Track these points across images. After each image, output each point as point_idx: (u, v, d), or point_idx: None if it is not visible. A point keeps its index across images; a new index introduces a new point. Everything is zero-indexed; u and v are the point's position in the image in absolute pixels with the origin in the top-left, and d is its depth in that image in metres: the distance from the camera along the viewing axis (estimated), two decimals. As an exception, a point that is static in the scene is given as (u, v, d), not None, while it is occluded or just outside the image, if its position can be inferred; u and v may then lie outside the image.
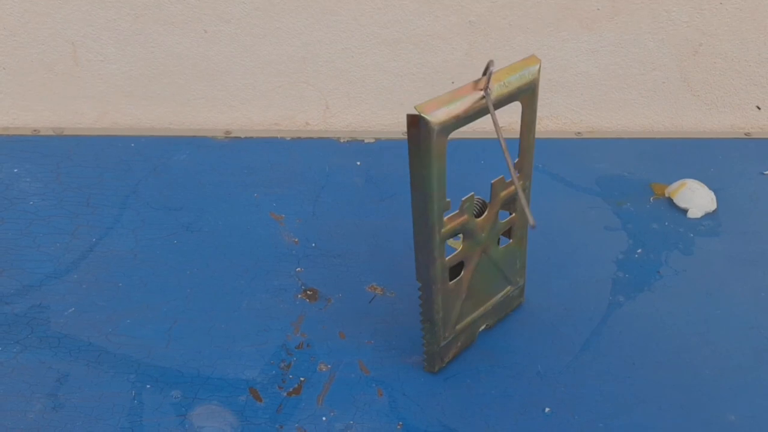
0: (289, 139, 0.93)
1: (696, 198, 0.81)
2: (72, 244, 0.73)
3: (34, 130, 0.93)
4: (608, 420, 0.58)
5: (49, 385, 0.59)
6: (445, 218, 0.53)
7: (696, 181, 0.83)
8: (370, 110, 0.98)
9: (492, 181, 0.57)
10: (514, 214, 0.61)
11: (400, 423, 0.57)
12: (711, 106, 1.01)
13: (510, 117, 0.98)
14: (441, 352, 0.60)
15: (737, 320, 0.68)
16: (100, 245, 0.74)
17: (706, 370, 0.63)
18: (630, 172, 0.89)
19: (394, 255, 0.74)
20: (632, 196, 0.84)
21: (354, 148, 0.92)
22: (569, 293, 0.70)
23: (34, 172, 0.84)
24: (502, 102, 0.53)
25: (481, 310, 0.63)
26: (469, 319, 0.62)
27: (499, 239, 0.61)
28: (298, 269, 0.72)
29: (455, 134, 1.04)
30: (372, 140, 0.94)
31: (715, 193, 0.83)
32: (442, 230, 0.53)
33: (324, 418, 0.57)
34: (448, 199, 0.52)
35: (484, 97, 0.50)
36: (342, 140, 0.93)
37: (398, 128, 0.98)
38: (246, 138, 0.93)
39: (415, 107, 0.47)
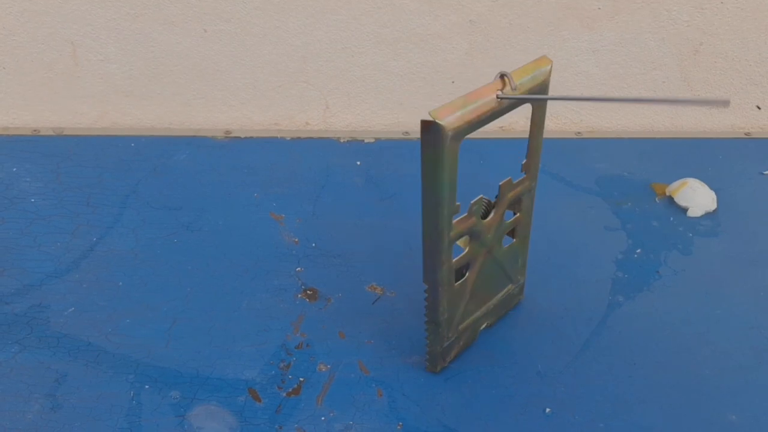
0: (289, 138, 0.93)
1: (697, 197, 0.81)
2: (72, 244, 0.73)
3: (34, 130, 0.93)
4: (608, 420, 0.58)
5: (47, 386, 0.59)
6: (454, 221, 0.53)
7: (697, 181, 0.83)
8: (370, 110, 0.98)
9: (500, 183, 0.57)
10: (518, 214, 0.61)
11: (400, 423, 0.57)
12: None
13: (510, 117, 0.98)
14: (443, 352, 0.60)
15: (737, 320, 0.68)
16: (100, 245, 0.74)
17: (706, 369, 0.63)
18: (630, 172, 0.89)
19: (394, 255, 0.74)
20: (632, 196, 0.84)
21: (354, 148, 0.92)
22: (569, 293, 0.70)
23: (34, 172, 0.84)
24: (515, 104, 0.53)
25: (483, 309, 0.63)
26: (471, 318, 0.62)
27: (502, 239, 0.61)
28: (298, 269, 0.72)
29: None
30: (372, 140, 0.94)
31: (715, 193, 0.83)
32: (451, 233, 0.53)
33: (323, 419, 0.57)
34: (458, 203, 0.52)
35: (499, 97, 0.50)
36: (342, 140, 0.93)
37: (398, 128, 0.98)
38: (246, 138, 0.93)
39: (429, 113, 0.47)
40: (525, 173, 0.59)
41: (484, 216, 0.57)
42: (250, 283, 0.70)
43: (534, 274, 0.69)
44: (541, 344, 0.64)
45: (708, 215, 0.81)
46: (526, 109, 0.56)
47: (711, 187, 0.83)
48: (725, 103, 0.44)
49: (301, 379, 0.60)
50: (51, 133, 0.92)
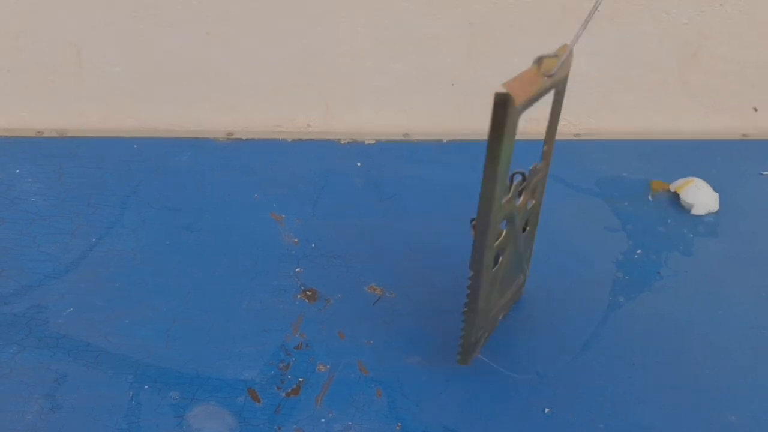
0: (290, 140, 0.94)
1: (701, 196, 0.82)
2: (72, 244, 0.74)
3: (38, 132, 0.93)
4: (608, 420, 0.58)
5: (47, 386, 0.59)
6: (502, 201, 0.54)
7: (702, 181, 0.84)
8: (370, 112, 0.99)
9: (531, 167, 0.57)
10: (534, 201, 0.61)
11: (399, 423, 0.57)
12: (710, 107, 1.01)
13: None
14: (475, 343, 0.60)
15: (737, 320, 0.68)
16: (100, 245, 0.74)
17: (706, 370, 0.63)
18: (629, 173, 0.89)
19: (394, 255, 0.74)
20: (632, 196, 0.84)
21: (354, 149, 0.92)
22: (569, 293, 0.70)
23: (36, 173, 0.84)
24: (550, 87, 0.53)
25: (503, 299, 0.63)
26: (497, 307, 0.62)
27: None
28: (298, 269, 0.72)
29: (456, 135, 1.04)
30: (372, 141, 0.94)
31: (720, 195, 0.83)
32: (500, 214, 0.54)
33: (323, 419, 0.57)
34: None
35: (549, 76, 0.51)
36: (342, 141, 0.94)
37: (398, 130, 0.98)
38: (247, 139, 0.93)
39: (502, 85, 0.47)
40: (543, 160, 0.59)
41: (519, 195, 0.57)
42: (250, 283, 0.70)
43: (534, 274, 0.69)
44: (541, 344, 0.64)
45: (712, 218, 0.81)
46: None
47: (710, 186, 0.83)
48: None
49: (301, 379, 0.60)
50: (54, 134, 0.93)
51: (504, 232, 0.57)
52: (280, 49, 0.93)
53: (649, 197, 0.83)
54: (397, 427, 0.57)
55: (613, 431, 0.57)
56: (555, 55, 0.52)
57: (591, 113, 1.00)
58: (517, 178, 0.63)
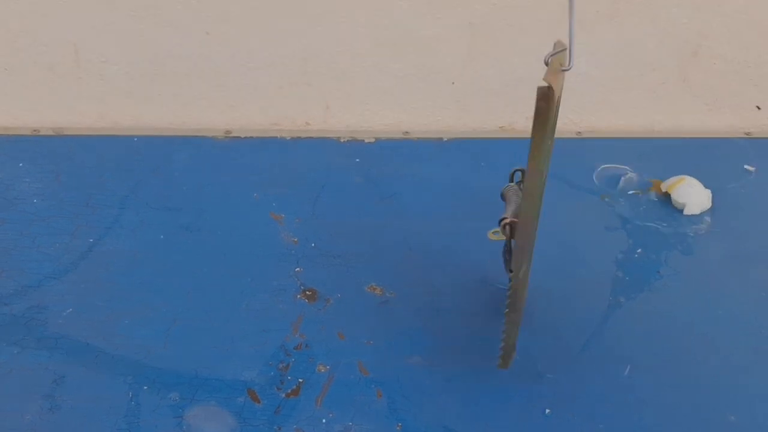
0: (289, 139, 0.93)
1: (693, 194, 0.81)
2: (71, 245, 0.73)
3: (35, 130, 0.93)
4: (608, 420, 0.58)
5: (46, 387, 0.59)
6: None
7: (693, 178, 0.83)
8: (370, 110, 0.98)
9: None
10: None
11: (400, 424, 0.57)
12: (711, 106, 1.01)
13: (510, 116, 0.98)
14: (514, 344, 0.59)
15: (737, 320, 0.68)
16: (100, 245, 0.73)
17: (706, 370, 0.63)
18: (631, 172, 0.89)
19: (394, 255, 0.74)
20: (633, 195, 0.84)
21: (354, 148, 0.92)
22: (569, 293, 0.70)
23: (34, 173, 0.84)
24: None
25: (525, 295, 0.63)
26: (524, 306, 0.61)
27: None
28: (298, 269, 0.72)
29: (456, 134, 1.03)
30: (372, 140, 0.94)
31: (716, 193, 0.83)
32: (539, 209, 0.54)
33: (323, 420, 0.57)
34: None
35: (565, 69, 0.51)
36: (342, 140, 0.93)
37: (398, 128, 0.98)
38: (246, 138, 0.93)
39: (544, 80, 0.48)
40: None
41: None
42: (250, 283, 0.70)
43: (534, 274, 0.69)
44: (541, 344, 0.64)
45: (708, 216, 0.81)
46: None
47: (711, 187, 0.83)
48: None
49: (301, 379, 0.60)
50: (51, 133, 0.92)
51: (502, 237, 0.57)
52: (280, 47, 0.93)
53: (653, 197, 0.82)
54: (398, 428, 0.57)
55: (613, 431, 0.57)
56: (563, 49, 0.52)
57: (592, 112, 1.00)
58: (518, 176, 0.62)
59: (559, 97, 0.52)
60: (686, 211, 0.80)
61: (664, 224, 0.80)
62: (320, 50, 0.93)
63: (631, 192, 0.85)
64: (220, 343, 0.63)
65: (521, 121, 0.95)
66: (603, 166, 0.90)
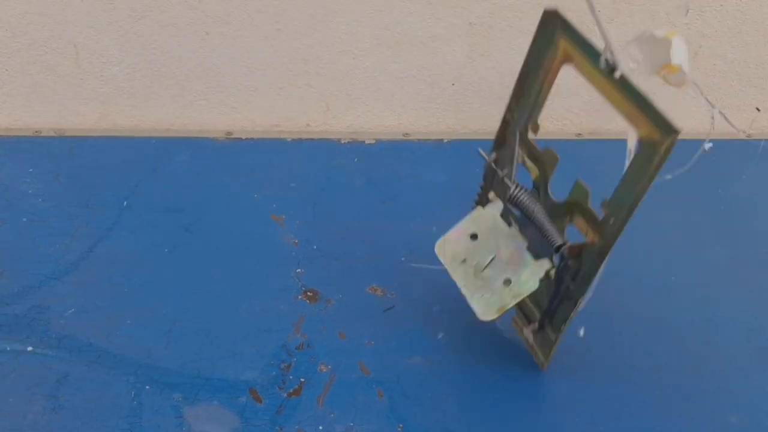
0: (289, 140, 0.94)
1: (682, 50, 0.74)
2: (72, 245, 0.73)
3: (36, 132, 0.93)
4: (608, 422, 0.58)
5: (48, 386, 0.59)
6: None
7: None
8: (371, 112, 0.98)
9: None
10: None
11: (401, 425, 0.57)
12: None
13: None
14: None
15: (738, 321, 0.68)
16: (100, 246, 0.74)
17: (706, 371, 0.63)
18: (630, 174, 0.89)
19: (395, 256, 0.74)
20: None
21: (355, 149, 0.92)
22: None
23: (34, 173, 0.84)
24: None
25: None
26: None
27: None
28: (299, 270, 0.72)
29: (457, 135, 1.03)
30: (373, 141, 0.94)
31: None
32: None
33: (324, 420, 0.57)
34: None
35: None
36: (343, 141, 0.94)
37: (399, 130, 0.98)
38: (247, 139, 0.93)
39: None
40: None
41: None
42: (250, 284, 0.70)
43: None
44: (541, 345, 0.64)
45: (709, 217, 0.81)
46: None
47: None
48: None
49: (302, 379, 0.60)
50: (52, 134, 0.92)
51: None
52: (280, 49, 0.93)
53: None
54: (399, 428, 0.57)
55: (614, 432, 0.57)
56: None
57: (592, 113, 1.00)
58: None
59: None
60: (675, 61, 0.72)
61: (665, 223, 0.80)
62: (321, 51, 0.93)
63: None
64: (222, 343, 0.63)
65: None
66: (604, 167, 0.90)
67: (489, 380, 0.61)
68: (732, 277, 0.73)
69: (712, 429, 0.58)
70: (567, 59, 0.50)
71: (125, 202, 0.80)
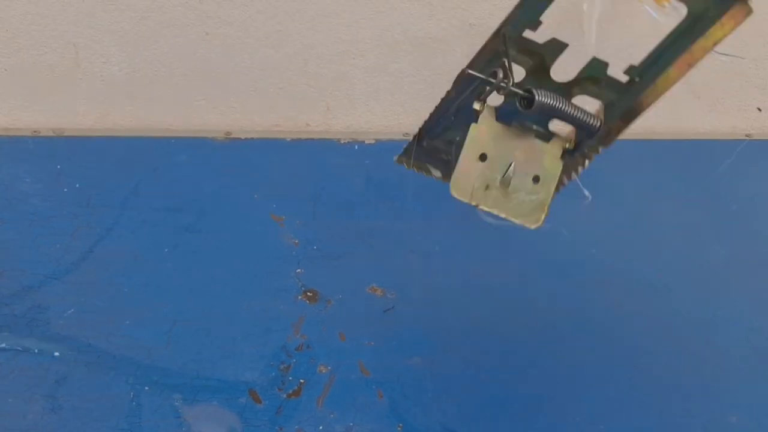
0: (289, 140, 0.93)
1: None
2: (72, 245, 0.73)
3: (35, 131, 0.93)
4: (608, 422, 0.58)
5: (47, 387, 0.59)
6: None
7: None
8: (370, 112, 0.98)
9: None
10: None
11: (401, 425, 0.57)
12: (712, 107, 1.01)
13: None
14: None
15: (738, 321, 0.68)
16: (100, 246, 0.73)
17: (707, 371, 0.63)
18: (630, 173, 0.89)
19: (395, 256, 0.74)
20: (633, 195, 0.84)
21: (355, 149, 0.92)
22: (569, 294, 0.70)
23: (34, 173, 0.84)
24: None
25: None
26: None
27: None
28: (298, 270, 0.72)
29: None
30: (372, 141, 0.94)
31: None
32: None
33: (324, 421, 0.57)
34: None
35: None
36: (342, 141, 0.93)
37: (398, 129, 0.98)
38: (246, 139, 0.93)
39: None
40: None
41: None
42: (250, 284, 0.70)
43: (534, 274, 0.69)
44: (541, 345, 0.64)
45: (709, 216, 0.81)
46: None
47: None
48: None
49: (302, 380, 0.60)
50: (51, 134, 0.92)
51: None
52: (280, 49, 0.93)
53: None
54: (399, 428, 0.57)
55: (614, 432, 0.57)
56: None
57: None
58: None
59: None
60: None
61: (665, 223, 0.80)
62: (321, 51, 0.93)
63: (632, 192, 0.85)
64: (222, 343, 0.63)
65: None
66: (604, 167, 0.90)
67: (488, 380, 0.61)
68: (732, 277, 0.73)
69: (713, 429, 0.58)
70: None
71: (125, 202, 0.80)
